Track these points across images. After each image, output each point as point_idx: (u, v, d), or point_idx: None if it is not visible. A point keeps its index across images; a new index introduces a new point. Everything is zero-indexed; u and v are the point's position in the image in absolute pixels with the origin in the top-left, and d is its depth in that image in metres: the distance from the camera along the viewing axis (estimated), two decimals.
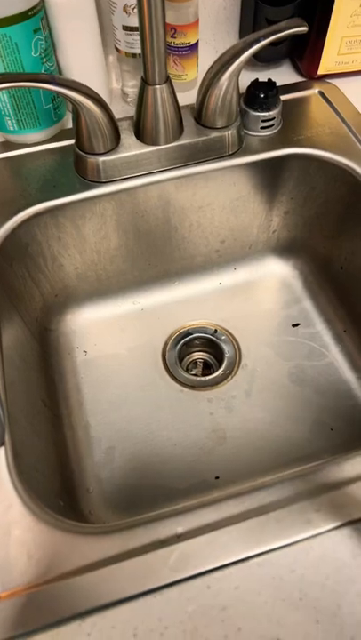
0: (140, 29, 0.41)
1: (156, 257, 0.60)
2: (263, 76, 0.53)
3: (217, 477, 0.50)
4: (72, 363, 0.58)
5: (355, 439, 0.52)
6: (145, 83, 0.45)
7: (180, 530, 0.32)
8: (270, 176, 0.55)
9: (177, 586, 0.30)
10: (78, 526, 0.33)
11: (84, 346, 0.60)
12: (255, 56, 0.59)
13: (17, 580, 0.30)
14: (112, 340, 0.60)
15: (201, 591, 0.30)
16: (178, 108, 0.48)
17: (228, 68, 0.46)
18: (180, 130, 0.49)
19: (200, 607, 0.29)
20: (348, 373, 0.56)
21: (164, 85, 0.45)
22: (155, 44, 0.42)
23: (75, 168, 0.51)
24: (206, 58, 0.61)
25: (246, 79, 0.53)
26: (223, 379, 0.57)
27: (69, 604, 0.29)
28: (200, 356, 0.62)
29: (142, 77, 0.45)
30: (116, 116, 0.54)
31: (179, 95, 0.57)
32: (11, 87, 0.40)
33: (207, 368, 0.62)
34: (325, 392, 0.55)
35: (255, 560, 0.30)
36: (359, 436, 0.52)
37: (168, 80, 0.45)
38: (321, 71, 0.58)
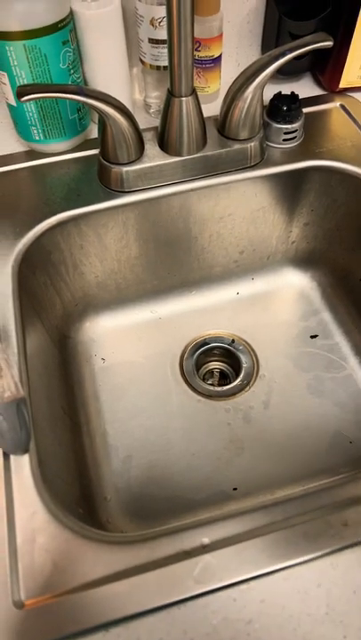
0: (169, 42, 0.42)
1: (175, 267, 0.60)
2: (285, 89, 0.54)
3: (235, 489, 0.50)
4: (90, 370, 0.58)
5: None
6: (171, 94, 0.46)
7: (205, 541, 0.32)
8: (291, 188, 0.55)
9: (202, 598, 0.30)
10: (103, 535, 0.33)
11: (101, 353, 0.60)
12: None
13: (42, 588, 0.30)
14: (130, 348, 0.61)
15: (226, 604, 0.29)
16: (202, 120, 0.48)
17: (253, 81, 0.46)
18: (203, 141, 0.50)
19: (225, 620, 0.29)
20: None
21: (190, 97, 0.46)
22: (182, 57, 0.42)
23: (98, 177, 0.51)
24: (229, 71, 0.62)
25: (268, 92, 0.53)
26: (241, 389, 0.57)
27: (93, 614, 0.29)
28: (217, 365, 0.62)
29: (168, 89, 0.46)
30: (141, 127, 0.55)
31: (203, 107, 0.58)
32: (40, 98, 0.41)
33: (224, 378, 0.62)
34: (344, 404, 0.55)
35: (281, 574, 0.30)
36: None
37: (194, 92, 0.46)
38: (343, 84, 0.58)
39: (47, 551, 0.31)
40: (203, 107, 0.58)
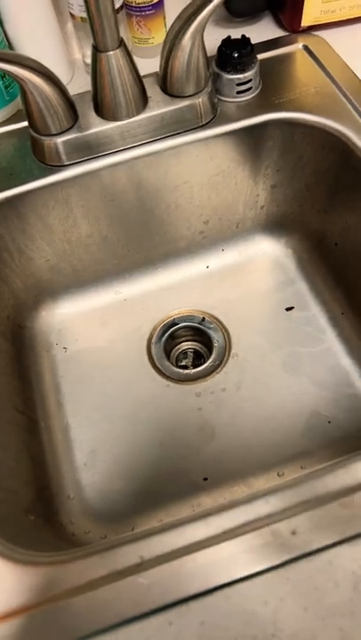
0: None
1: (134, 243, 0.55)
2: (240, 33, 0.47)
3: (205, 479, 0.47)
4: (50, 361, 0.54)
5: (354, 432, 0.47)
6: (96, 50, 0.40)
7: (143, 556, 0.29)
8: (252, 146, 0.49)
9: (134, 624, 0.26)
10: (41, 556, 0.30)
11: (63, 342, 0.56)
12: (230, 11, 0.53)
13: None
14: (94, 334, 0.57)
15: (161, 629, 0.26)
16: (138, 76, 0.43)
17: (190, 26, 0.40)
18: (143, 101, 0.44)
19: None
20: (346, 359, 0.51)
21: (117, 50, 0.40)
22: (100, 3, 0.37)
23: (33, 152, 0.46)
24: (175, 16, 0.55)
25: (221, 38, 0.47)
26: (212, 370, 0.53)
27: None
28: (189, 345, 0.58)
29: (93, 44, 0.40)
30: (80, 89, 0.49)
31: (147, 62, 0.52)
32: None
33: (199, 358, 0.58)
34: (322, 381, 0.51)
35: (223, 591, 0.27)
36: (359, 428, 0.48)
37: (122, 44, 0.40)
38: (305, 23, 0.52)
39: None
40: (150, 61, 0.53)
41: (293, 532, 0.27)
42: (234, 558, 0.27)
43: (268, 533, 0.27)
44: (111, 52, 0.40)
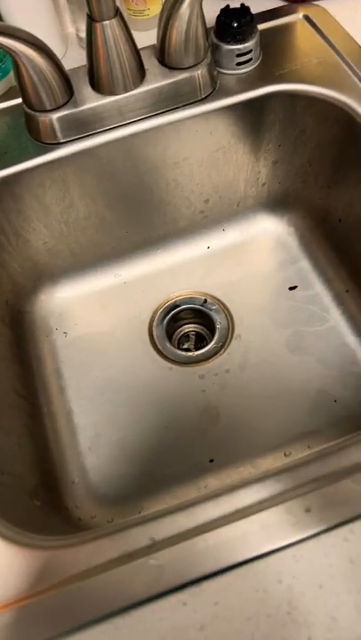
0: None
1: (133, 224, 0.54)
2: (238, 3, 0.46)
3: (211, 460, 0.47)
4: (51, 346, 0.53)
5: (360, 410, 0.47)
6: (91, 19, 0.38)
7: (154, 537, 0.28)
8: (252, 121, 0.48)
9: (148, 605, 0.26)
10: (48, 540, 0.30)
11: (63, 327, 0.55)
12: None
13: None
14: (94, 318, 0.56)
15: (175, 609, 0.26)
16: (135, 47, 0.41)
17: None
18: (140, 74, 0.43)
19: (174, 628, 0.25)
20: (351, 338, 0.50)
21: (113, 20, 0.38)
22: None
23: (27, 130, 0.45)
24: None
25: (219, 8, 0.45)
26: (215, 352, 0.53)
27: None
28: (192, 328, 0.57)
29: (87, 14, 0.38)
30: (74, 64, 0.47)
31: (143, 34, 0.51)
32: None
33: (201, 340, 0.57)
34: (327, 360, 0.50)
35: (236, 571, 0.26)
36: None
37: (118, 13, 0.39)
38: None
39: None
40: (145, 34, 0.51)
41: (307, 510, 0.27)
42: (246, 537, 0.27)
43: (282, 512, 0.27)
44: (107, 22, 0.38)
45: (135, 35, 0.43)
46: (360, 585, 0.26)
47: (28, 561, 0.27)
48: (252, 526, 0.27)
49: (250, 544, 0.27)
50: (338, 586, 0.26)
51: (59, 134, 0.44)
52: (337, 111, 0.45)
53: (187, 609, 0.26)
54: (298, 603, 0.26)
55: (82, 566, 0.27)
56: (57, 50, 0.49)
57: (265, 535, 0.27)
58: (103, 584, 0.26)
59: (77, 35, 0.51)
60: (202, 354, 0.53)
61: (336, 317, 0.52)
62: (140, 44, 0.44)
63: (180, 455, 0.47)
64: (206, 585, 0.26)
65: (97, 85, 0.42)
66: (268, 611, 0.25)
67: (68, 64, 0.48)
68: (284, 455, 0.46)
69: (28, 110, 0.43)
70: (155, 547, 0.27)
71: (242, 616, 0.25)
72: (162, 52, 0.43)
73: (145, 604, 0.26)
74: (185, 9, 0.39)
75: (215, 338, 0.54)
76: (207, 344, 0.54)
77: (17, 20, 0.45)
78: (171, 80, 0.43)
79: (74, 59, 0.50)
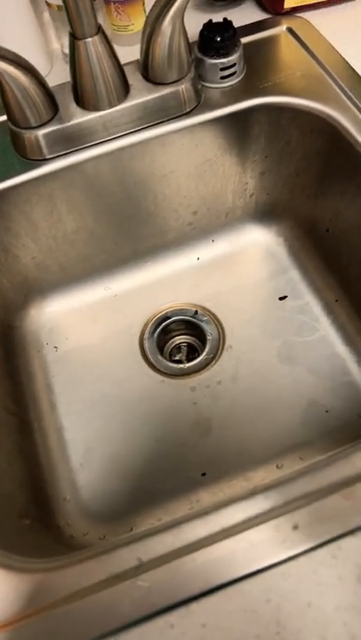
0: None
1: (121, 237, 0.54)
2: (222, 17, 0.46)
3: (203, 474, 0.46)
4: (41, 361, 0.53)
5: (352, 420, 0.47)
6: (73, 37, 0.39)
7: (141, 558, 0.28)
8: (238, 133, 0.48)
9: (135, 628, 0.26)
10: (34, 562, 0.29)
11: (54, 341, 0.55)
12: None
13: None
14: (84, 331, 0.56)
15: (163, 632, 0.26)
16: (118, 63, 0.41)
17: (169, 9, 0.39)
18: (124, 89, 0.43)
19: None
20: (341, 347, 0.50)
21: (95, 37, 0.39)
22: None
23: (13, 146, 0.45)
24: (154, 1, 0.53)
25: (202, 22, 0.45)
26: (207, 364, 0.52)
27: None
28: (183, 339, 0.57)
29: (70, 32, 0.39)
30: (59, 80, 0.48)
31: (127, 49, 0.51)
32: None
33: (193, 351, 0.57)
34: (318, 370, 0.50)
35: (223, 591, 0.26)
36: (357, 417, 0.47)
37: (100, 31, 0.39)
38: (288, 4, 0.50)
39: None
40: (130, 49, 0.51)
41: (295, 527, 0.27)
42: (234, 556, 0.26)
43: (270, 529, 0.27)
44: (89, 39, 0.38)
45: (120, 49, 0.43)
46: (349, 602, 0.25)
47: (15, 585, 0.27)
48: (240, 545, 0.27)
49: (237, 563, 0.26)
50: (327, 604, 0.25)
51: (45, 150, 0.44)
52: (321, 123, 0.45)
53: (175, 632, 0.25)
54: (286, 622, 0.25)
55: (69, 589, 0.27)
56: (42, 66, 0.49)
57: (253, 554, 0.26)
58: (91, 607, 0.26)
59: (62, 51, 0.51)
60: (193, 365, 0.53)
61: (326, 327, 0.52)
62: (125, 59, 0.44)
63: (173, 469, 0.47)
64: (194, 606, 0.26)
65: (81, 101, 0.43)
66: (257, 631, 0.25)
67: (54, 79, 0.48)
68: (277, 467, 0.46)
69: (14, 127, 0.43)
70: (142, 567, 0.27)
71: (230, 637, 0.25)
72: (145, 67, 0.43)
73: (133, 626, 0.26)
74: (167, 25, 0.40)
75: (206, 349, 0.53)
76: (199, 355, 0.54)
77: (1, 37, 0.46)
78: (155, 95, 0.43)
79: (59, 75, 0.51)
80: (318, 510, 0.27)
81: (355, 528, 0.26)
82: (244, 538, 0.27)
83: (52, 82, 0.44)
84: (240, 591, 0.26)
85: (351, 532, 0.26)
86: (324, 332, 0.52)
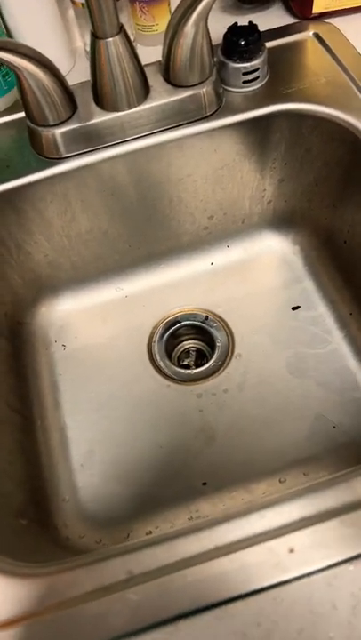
0: None
1: (136, 238, 0.54)
2: (247, 20, 0.45)
3: (204, 483, 0.46)
4: (49, 358, 0.53)
5: (360, 437, 0.46)
6: (95, 37, 0.38)
7: (132, 571, 0.27)
8: (258, 139, 0.47)
9: None
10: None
11: (63, 339, 0.55)
12: None
13: None
14: (94, 331, 0.55)
15: None
16: (139, 64, 0.41)
17: (193, 11, 0.38)
18: (144, 91, 0.42)
19: None
20: (352, 362, 0.49)
21: (117, 37, 0.38)
22: None
23: (30, 144, 0.45)
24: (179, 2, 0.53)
25: (228, 25, 0.45)
26: (214, 371, 0.52)
27: None
28: (192, 344, 0.57)
29: (91, 31, 0.38)
30: (82, 78, 0.47)
31: (151, 49, 0.51)
32: None
33: (201, 357, 0.56)
34: (328, 384, 0.49)
35: (213, 612, 0.25)
36: None
37: (122, 31, 0.38)
38: (316, 9, 0.49)
39: None
40: (154, 49, 0.51)
41: (291, 550, 0.26)
42: (226, 576, 0.26)
43: (264, 551, 0.26)
44: (110, 39, 0.38)
45: (144, 49, 0.43)
46: (343, 634, 0.25)
47: (3, 589, 0.27)
48: (233, 565, 0.26)
49: (229, 583, 0.26)
50: (319, 633, 0.25)
51: (61, 149, 0.44)
52: (344, 132, 0.44)
53: None
54: None
55: (57, 598, 0.26)
56: (65, 63, 0.49)
57: (245, 575, 0.26)
58: (77, 618, 0.26)
59: (85, 49, 0.51)
60: (201, 372, 0.52)
61: (338, 340, 0.51)
62: (148, 59, 0.44)
63: (174, 476, 0.46)
64: (183, 624, 0.25)
65: (101, 101, 0.42)
66: None
67: (76, 77, 0.48)
68: (279, 482, 0.45)
69: (32, 125, 0.42)
70: (132, 581, 0.26)
71: None
72: (167, 70, 0.43)
73: None
74: (190, 27, 0.39)
75: (215, 356, 0.53)
76: (207, 361, 0.53)
77: (25, 35, 0.46)
78: (175, 97, 0.43)
79: (82, 73, 0.50)
80: (316, 535, 0.26)
81: (353, 556, 0.25)
82: (238, 558, 0.26)
83: (74, 80, 0.44)
84: (230, 612, 0.25)
85: (349, 560, 0.25)
86: (336, 345, 0.51)
